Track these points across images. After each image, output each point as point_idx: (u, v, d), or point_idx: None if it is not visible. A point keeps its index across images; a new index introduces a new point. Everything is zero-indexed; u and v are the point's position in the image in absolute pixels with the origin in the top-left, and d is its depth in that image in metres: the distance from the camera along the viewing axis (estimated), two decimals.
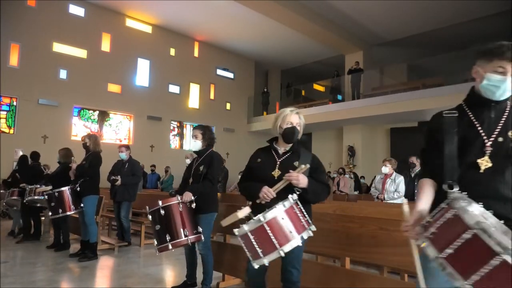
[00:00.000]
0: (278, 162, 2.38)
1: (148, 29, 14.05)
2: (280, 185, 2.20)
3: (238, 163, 14.27)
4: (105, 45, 12.95)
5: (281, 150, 2.43)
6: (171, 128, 14.79)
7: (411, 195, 6.15)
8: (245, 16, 12.66)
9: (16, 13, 10.89)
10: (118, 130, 13.42)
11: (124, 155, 6.12)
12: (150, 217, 3.11)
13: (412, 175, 6.36)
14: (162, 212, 3.08)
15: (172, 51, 14.67)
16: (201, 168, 3.47)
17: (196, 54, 15.52)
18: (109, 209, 8.28)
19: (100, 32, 12.78)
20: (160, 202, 3.07)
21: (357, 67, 14.09)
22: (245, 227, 1.95)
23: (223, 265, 3.80)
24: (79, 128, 12.39)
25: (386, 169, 5.66)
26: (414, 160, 6.44)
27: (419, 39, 13.97)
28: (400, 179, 5.65)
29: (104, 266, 4.92)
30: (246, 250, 2.01)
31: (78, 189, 4.95)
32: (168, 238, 3.02)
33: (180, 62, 14.84)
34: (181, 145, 15.09)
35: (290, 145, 2.43)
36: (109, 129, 13.17)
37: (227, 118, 16.26)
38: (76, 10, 12.25)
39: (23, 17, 11.06)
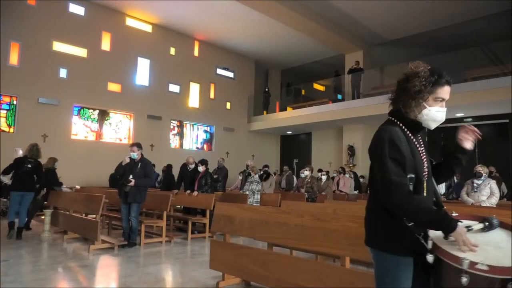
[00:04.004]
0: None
1: (148, 28, 14.03)
2: None
3: (238, 162, 14.32)
4: (105, 44, 12.93)
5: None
6: (171, 127, 14.78)
7: None
8: (246, 15, 12.65)
9: (16, 12, 10.89)
10: (118, 129, 13.41)
11: (135, 155, 5.89)
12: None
13: None
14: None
15: (172, 50, 14.66)
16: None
17: (196, 53, 15.50)
18: (109, 208, 8.30)
19: (100, 31, 12.76)
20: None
21: (357, 67, 14.08)
22: None
23: (223, 264, 3.81)
24: (79, 127, 12.37)
25: None
26: None
27: (419, 38, 13.95)
28: None
29: (104, 265, 4.93)
30: None
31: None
32: None
33: (180, 61, 14.82)
34: (181, 145, 15.07)
35: None
36: (109, 128, 13.16)
37: (227, 118, 16.26)
38: (76, 9, 12.22)
39: (23, 16, 11.04)
